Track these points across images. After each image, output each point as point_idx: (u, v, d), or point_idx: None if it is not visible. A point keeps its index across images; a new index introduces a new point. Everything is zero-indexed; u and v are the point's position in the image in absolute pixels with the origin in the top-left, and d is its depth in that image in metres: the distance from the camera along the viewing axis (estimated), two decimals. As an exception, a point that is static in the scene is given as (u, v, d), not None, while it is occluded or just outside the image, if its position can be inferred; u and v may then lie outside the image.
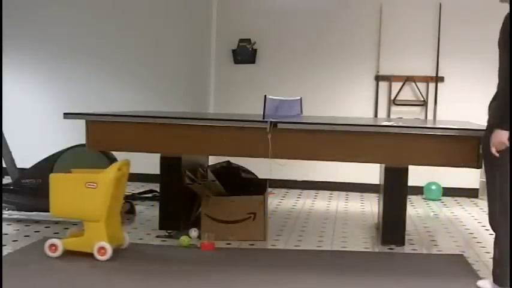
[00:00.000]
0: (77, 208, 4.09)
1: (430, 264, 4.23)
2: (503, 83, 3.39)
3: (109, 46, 7.64)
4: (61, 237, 4.31)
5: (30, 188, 5.34)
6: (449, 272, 4.03)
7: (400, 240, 4.66)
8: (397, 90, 7.18)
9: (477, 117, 6.27)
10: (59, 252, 4.06)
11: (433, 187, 6.93)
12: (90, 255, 4.01)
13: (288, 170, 6.41)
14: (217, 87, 7.51)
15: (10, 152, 5.73)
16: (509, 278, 3.54)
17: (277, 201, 6.55)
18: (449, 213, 6.19)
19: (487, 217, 5.88)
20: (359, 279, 3.84)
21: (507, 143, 3.36)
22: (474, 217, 6.00)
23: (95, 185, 4.04)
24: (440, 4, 7.07)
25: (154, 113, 5.08)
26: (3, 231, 4.81)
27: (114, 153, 5.42)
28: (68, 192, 4.10)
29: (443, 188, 6.97)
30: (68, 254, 4.07)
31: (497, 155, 3.40)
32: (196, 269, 3.92)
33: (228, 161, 5.20)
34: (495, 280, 3.57)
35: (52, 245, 4.08)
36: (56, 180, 4.15)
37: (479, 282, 3.70)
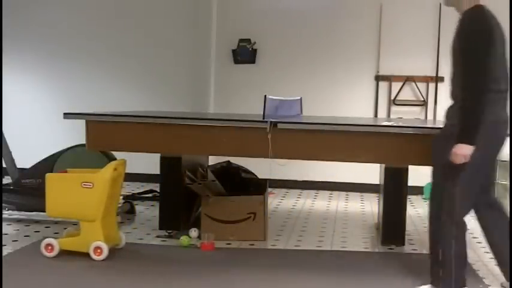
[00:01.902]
0: (73, 208, 4.10)
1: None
2: (467, 94, 3.34)
3: (109, 46, 7.64)
4: (59, 237, 4.31)
5: (30, 188, 5.34)
6: (449, 272, 4.02)
7: (400, 240, 4.67)
8: (397, 90, 7.18)
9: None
10: (55, 252, 4.06)
11: (433, 187, 6.92)
12: (87, 255, 4.01)
13: (288, 170, 6.40)
14: (217, 87, 7.51)
15: (10, 152, 5.74)
16: (510, 278, 3.55)
17: (277, 201, 6.55)
18: (449, 213, 6.18)
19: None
20: (359, 279, 3.84)
21: (468, 158, 3.32)
22: (474, 217, 5.99)
23: (91, 184, 4.04)
24: (440, 4, 7.07)
25: (154, 113, 5.08)
26: (3, 231, 4.81)
27: (114, 153, 5.42)
28: (64, 192, 4.10)
29: (443, 188, 6.96)
30: (66, 253, 4.07)
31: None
32: (196, 269, 3.93)
33: (228, 161, 5.20)
34: (438, 283, 3.53)
35: (48, 244, 4.08)
36: (52, 180, 4.15)
37: None
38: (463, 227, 3.54)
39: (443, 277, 3.50)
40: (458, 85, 3.50)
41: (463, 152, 3.31)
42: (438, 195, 3.60)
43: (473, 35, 3.48)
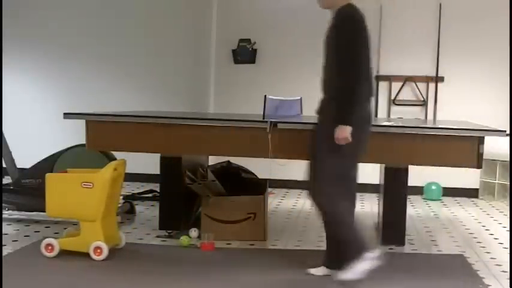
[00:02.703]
0: (73, 208, 4.09)
1: (430, 264, 4.23)
2: (345, 83, 3.57)
3: (109, 46, 7.64)
4: (59, 237, 4.31)
5: (30, 188, 5.34)
6: (449, 272, 4.03)
7: (400, 240, 4.66)
8: (397, 90, 7.18)
9: (477, 117, 6.28)
10: (55, 252, 4.06)
11: (433, 187, 6.93)
12: (87, 255, 4.02)
13: (288, 170, 6.40)
14: (217, 87, 7.51)
15: (10, 152, 5.74)
16: (510, 278, 3.55)
17: (277, 201, 6.55)
18: (449, 213, 6.19)
19: (487, 217, 5.88)
20: (359, 279, 3.83)
21: (350, 139, 3.55)
22: (474, 217, 6.01)
23: (91, 184, 4.04)
24: (440, 4, 7.07)
25: (154, 113, 5.08)
26: (3, 231, 4.81)
27: (115, 153, 5.42)
28: (64, 192, 4.10)
29: (443, 188, 6.97)
30: (66, 253, 4.07)
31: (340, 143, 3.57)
32: (196, 269, 3.92)
33: (228, 161, 5.20)
34: (347, 261, 3.61)
35: (48, 244, 4.08)
36: (52, 180, 4.15)
37: (313, 270, 3.81)
38: (347, 209, 3.76)
39: (345, 257, 3.63)
40: (331, 78, 3.71)
41: (344, 134, 3.55)
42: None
43: (354, 32, 3.67)
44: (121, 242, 4.33)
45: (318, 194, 3.78)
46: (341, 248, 3.70)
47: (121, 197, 5.08)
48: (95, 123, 4.62)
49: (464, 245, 4.81)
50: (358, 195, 3.98)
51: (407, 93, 7.20)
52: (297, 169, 7.06)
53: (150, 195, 6.44)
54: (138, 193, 6.48)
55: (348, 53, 3.60)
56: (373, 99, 3.78)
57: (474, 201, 6.88)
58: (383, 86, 7.25)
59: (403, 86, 7.17)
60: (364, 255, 3.61)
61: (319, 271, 3.85)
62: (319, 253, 4.47)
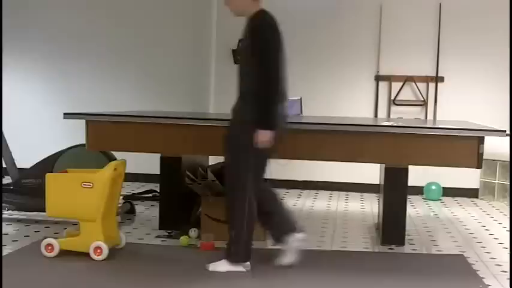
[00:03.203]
0: (73, 208, 4.09)
1: (430, 264, 4.23)
2: (259, 88, 3.68)
3: (109, 46, 7.64)
4: (59, 237, 4.31)
5: (30, 188, 5.34)
6: (449, 272, 4.03)
7: (400, 240, 4.66)
8: (397, 90, 7.18)
9: (477, 117, 6.28)
10: (55, 252, 4.06)
11: (433, 187, 6.93)
12: (87, 255, 4.02)
13: (288, 170, 6.41)
14: (217, 87, 7.51)
15: (10, 152, 5.73)
16: (510, 278, 3.55)
17: (277, 201, 6.54)
18: (449, 213, 6.19)
19: (487, 217, 5.89)
20: (359, 279, 3.84)
21: (271, 142, 3.71)
22: (474, 217, 6.01)
23: (91, 184, 4.04)
24: (440, 4, 7.07)
25: (155, 113, 5.08)
26: (3, 231, 4.81)
27: (115, 153, 5.42)
28: (64, 192, 4.10)
29: (443, 188, 6.97)
30: (66, 253, 4.07)
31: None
32: (196, 269, 3.92)
33: (228, 161, 5.19)
34: (232, 259, 3.85)
35: (48, 244, 4.08)
36: (52, 180, 4.15)
37: (211, 266, 3.89)
38: (253, 206, 3.87)
39: (234, 251, 3.85)
40: (247, 84, 3.83)
41: (265, 138, 3.70)
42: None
43: (268, 37, 3.77)
44: (121, 242, 4.33)
45: (230, 190, 3.89)
46: (232, 240, 3.86)
47: (121, 197, 5.08)
48: (95, 123, 4.62)
49: (464, 245, 4.81)
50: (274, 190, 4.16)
51: (407, 93, 7.20)
52: (297, 169, 7.12)
53: (150, 195, 6.44)
54: (138, 193, 6.48)
55: (263, 59, 3.70)
56: (285, 101, 3.94)
57: (474, 201, 6.88)
58: (383, 86, 7.25)
59: (403, 86, 7.17)
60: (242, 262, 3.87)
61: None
62: (320, 253, 4.48)
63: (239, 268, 3.87)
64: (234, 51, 7.42)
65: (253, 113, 3.72)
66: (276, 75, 3.73)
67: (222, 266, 3.87)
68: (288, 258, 4.02)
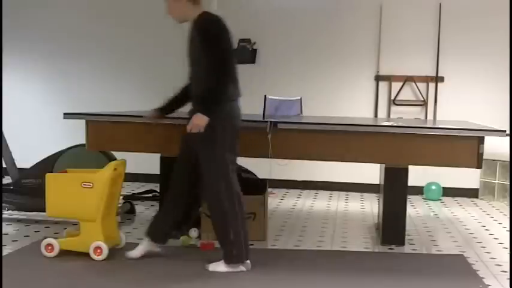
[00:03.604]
0: (73, 208, 4.09)
1: (430, 264, 4.23)
2: (211, 83, 3.74)
3: (109, 46, 7.64)
4: (59, 237, 4.31)
5: (30, 188, 5.34)
6: (449, 272, 4.03)
7: (400, 240, 4.66)
8: (397, 90, 7.18)
9: (477, 117, 6.28)
10: (55, 252, 4.06)
11: (433, 187, 6.93)
12: (87, 255, 4.02)
13: (288, 170, 6.41)
14: (217, 87, 7.50)
15: (10, 152, 5.74)
16: (510, 278, 3.55)
17: (277, 201, 6.55)
18: (449, 213, 6.19)
19: (487, 217, 5.89)
20: (359, 279, 3.84)
21: (202, 129, 3.74)
22: (474, 217, 6.01)
23: (91, 184, 4.04)
24: (440, 4, 7.07)
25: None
26: (3, 231, 4.81)
27: (114, 153, 5.42)
28: (64, 192, 4.10)
29: (443, 188, 6.97)
30: (66, 253, 4.07)
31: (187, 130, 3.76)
32: (196, 269, 3.92)
33: (228, 161, 5.19)
34: (232, 260, 3.84)
35: (48, 244, 4.08)
36: (52, 180, 4.15)
37: (211, 266, 3.88)
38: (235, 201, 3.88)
39: (236, 253, 3.84)
40: (199, 84, 3.88)
41: (200, 121, 3.72)
42: (183, 176, 4.01)
43: (217, 36, 3.81)
44: (121, 242, 4.33)
45: (206, 189, 3.91)
46: (232, 241, 3.86)
47: (121, 197, 5.08)
48: (95, 123, 4.62)
49: (464, 245, 4.81)
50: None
51: (407, 93, 7.20)
52: (297, 169, 7.12)
53: (150, 195, 6.44)
54: (138, 193, 6.48)
55: (214, 56, 3.74)
56: (240, 99, 4.00)
57: (474, 201, 6.88)
58: (383, 86, 7.25)
59: (403, 86, 7.17)
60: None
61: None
62: (320, 253, 4.48)
63: (241, 269, 3.87)
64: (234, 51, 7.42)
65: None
66: (227, 71, 3.76)
67: (222, 267, 3.87)
68: (134, 253, 4.07)
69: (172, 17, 4.05)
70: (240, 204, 3.89)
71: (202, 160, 3.86)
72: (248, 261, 3.91)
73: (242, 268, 3.87)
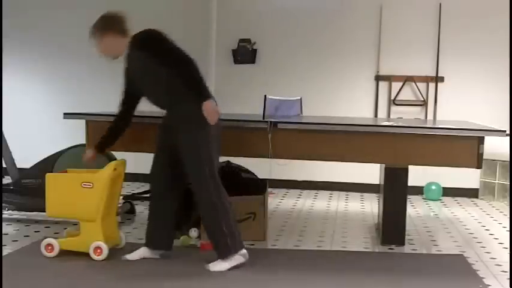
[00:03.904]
0: (73, 208, 4.09)
1: (430, 264, 4.23)
2: (184, 74, 3.79)
3: (109, 46, 7.63)
4: (59, 237, 4.31)
5: (30, 188, 5.34)
6: (449, 272, 4.03)
7: (400, 240, 4.66)
8: (397, 90, 7.18)
9: (477, 117, 6.28)
10: (55, 252, 4.06)
11: (433, 187, 6.93)
12: (87, 255, 4.02)
13: (288, 170, 6.41)
14: (217, 87, 7.49)
15: (10, 152, 5.74)
16: (510, 278, 3.55)
17: (277, 201, 6.55)
18: (449, 213, 6.19)
19: (487, 217, 5.89)
20: (359, 279, 3.84)
21: (219, 110, 3.80)
22: (474, 217, 6.01)
23: (91, 184, 4.04)
24: (440, 4, 7.07)
25: (154, 113, 5.07)
26: (3, 231, 4.81)
27: (115, 153, 5.42)
28: (64, 192, 4.10)
29: (443, 188, 6.97)
30: (66, 253, 4.07)
31: (212, 123, 3.76)
32: (196, 269, 3.92)
33: (228, 161, 5.20)
34: (229, 252, 3.85)
35: (48, 244, 4.08)
36: (52, 180, 4.15)
37: (211, 266, 3.88)
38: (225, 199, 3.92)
39: (231, 243, 3.86)
40: (170, 93, 3.87)
41: (212, 105, 3.75)
42: (161, 178, 4.05)
43: (160, 40, 3.92)
44: (121, 242, 4.33)
45: (201, 190, 3.91)
46: (225, 233, 3.89)
47: (121, 197, 5.08)
48: (95, 123, 4.62)
49: (464, 245, 4.81)
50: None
51: (407, 93, 7.20)
52: (297, 169, 7.12)
53: (150, 195, 6.42)
54: (138, 193, 6.48)
55: (174, 57, 3.81)
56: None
57: (474, 201, 6.88)
58: (383, 86, 7.25)
59: (403, 86, 7.17)
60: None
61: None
62: (320, 253, 4.48)
63: (239, 260, 3.88)
64: (234, 51, 7.43)
65: (191, 105, 3.77)
66: (191, 60, 3.81)
67: (221, 265, 3.87)
68: (131, 256, 4.07)
69: (106, 56, 4.08)
70: (227, 200, 3.92)
71: (189, 162, 3.86)
72: (244, 250, 3.92)
73: (241, 259, 3.89)
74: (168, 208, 4.11)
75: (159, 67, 3.81)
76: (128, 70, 4.03)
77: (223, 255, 3.88)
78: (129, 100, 4.11)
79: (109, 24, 3.96)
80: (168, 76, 3.81)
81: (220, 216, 3.87)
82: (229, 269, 3.85)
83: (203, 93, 3.79)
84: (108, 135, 4.19)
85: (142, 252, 4.10)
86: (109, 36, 3.95)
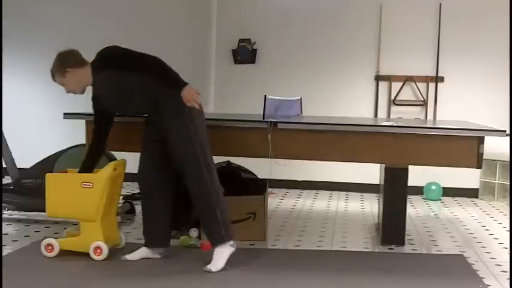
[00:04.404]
0: (73, 208, 4.09)
1: (430, 264, 4.23)
2: (153, 67, 3.82)
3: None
4: (59, 237, 4.31)
5: (30, 188, 5.34)
6: (449, 272, 4.03)
7: (400, 240, 4.66)
8: (397, 90, 7.18)
9: (477, 117, 6.28)
10: (55, 252, 4.06)
11: (433, 187, 6.93)
12: (87, 255, 4.02)
13: (288, 170, 6.40)
14: (217, 87, 7.51)
15: (10, 152, 5.73)
16: (510, 278, 3.55)
17: (277, 201, 6.55)
18: (449, 213, 6.19)
19: (487, 217, 5.90)
20: (359, 279, 3.84)
21: (198, 93, 3.82)
22: (474, 217, 6.01)
23: (91, 184, 4.04)
24: (440, 4, 7.07)
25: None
26: (3, 231, 4.81)
27: (115, 153, 5.42)
28: (64, 192, 4.09)
29: (443, 188, 6.97)
30: (66, 253, 4.07)
31: (197, 106, 3.82)
32: (196, 269, 3.92)
33: (228, 161, 5.20)
34: (223, 240, 3.88)
35: (48, 244, 4.08)
36: (52, 180, 4.15)
37: (211, 267, 3.85)
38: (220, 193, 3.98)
39: (225, 232, 3.90)
40: (143, 100, 3.92)
41: (192, 90, 3.77)
42: (151, 177, 4.14)
43: (125, 50, 3.93)
44: (121, 242, 4.33)
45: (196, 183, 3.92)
46: (220, 222, 3.94)
47: (121, 197, 5.08)
48: (95, 123, 4.61)
49: (464, 245, 4.81)
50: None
51: (407, 93, 7.20)
52: (297, 169, 7.12)
53: (140, 194, 6.41)
54: (138, 193, 6.45)
55: (136, 60, 3.85)
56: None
57: (474, 201, 6.88)
58: (383, 86, 7.25)
59: (403, 86, 7.17)
60: None
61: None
62: (320, 253, 4.48)
63: (231, 249, 3.90)
64: (234, 51, 7.44)
65: (173, 99, 3.80)
66: (157, 58, 3.83)
67: (219, 260, 3.86)
68: (131, 256, 4.08)
69: (77, 91, 4.08)
70: (221, 189, 3.97)
71: (183, 155, 3.88)
72: (233, 241, 3.94)
73: (232, 249, 3.90)
74: (160, 206, 4.13)
75: (130, 76, 3.85)
76: (98, 97, 4.03)
77: (218, 243, 3.90)
78: (102, 129, 4.10)
79: (64, 62, 3.96)
80: (141, 81, 3.85)
81: (214, 205, 3.90)
82: (225, 264, 3.86)
83: (178, 82, 3.81)
84: (88, 161, 4.16)
85: (143, 252, 4.10)
86: (69, 72, 3.96)
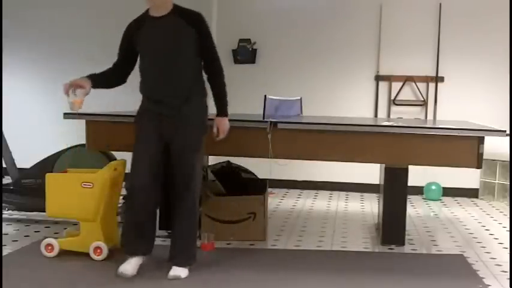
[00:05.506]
0: (73, 208, 4.09)
1: (430, 264, 4.23)
2: (222, 82, 4.21)
3: (109, 46, 7.58)
4: (59, 237, 4.31)
5: (30, 188, 5.33)
6: (449, 272, 4.03)
7: (400, 240, 4.66)
8: (397, 90, 7.18)
9: (477, 117, 6.28)
10: (55, 252, 4.07)
11: (433, 187, 6.93)
12: (87, 255, 4.02)
13: (288, 170, 6.40)
14: (217, 87, 7.50)
15: (10, 152, 5.73)
16: (510, 278, 3.55)
17: (277, 201, 6.55)
18: (449, 213, 6.19)
19: (487, 217, 5.90)
20: (359, 279, 3.84)
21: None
22: (474, 217, 6.01)
23: (91, 184, 4.04)
24: (440, 4, 7.08)
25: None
26: (3, 231, 4.81)
27: (114, 153, 5.42)
28: (64, 192, 4.10)
29: (443, 188, 6.97)
30: (66, 253, 4.07)
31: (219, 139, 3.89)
32: (196, 269, 3.92)
33: (228, 161, 5.20)
34: (193, 261, 3.79)
35: (48, 244, 4.08)
36: (52, 180, 4.15)
37: (173, 272, 3.73)
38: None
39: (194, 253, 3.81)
40: (186, 79, 4.00)
41: (227, 126, 4.02)
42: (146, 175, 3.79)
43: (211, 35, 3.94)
44: (121, 242, 4.33)
45: (191, 192, 3.78)
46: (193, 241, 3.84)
47: (121, 197, 5.08)
48: (95, 123, 4.62)
49: (464, 245, 4.82)
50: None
51: (407, 93, 7.20)
52: (297, 169, 7.12)
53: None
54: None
55: (216, 56, 4.05)
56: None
57: (474, 201, 6.88)
58: (383, 86, 7.25)
59: (403, 86, 7.17)
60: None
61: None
62: (320, 253, 4.48)
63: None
64: (234, 51, 7.44)
65: (204, 102, 4.01)
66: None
67: (184, 271, 3.75)
68: (130, 270, 3.77)
69: None
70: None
71: (190, 167, 3.74)
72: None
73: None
74: (151, 207, 3.91)
75: (195, 53, 3.88)
76: (148, 36, 4.03)
77: (189, 262, 3.78)
78: (122, 67, 4.26)
79: None
80: (193, 65, 3.93)
81: (196, 222, 3.84)
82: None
83: (227, 107, 4.03)
84: (102, 76, 4.32)
85: (136, 261, 3.83)
86: None
